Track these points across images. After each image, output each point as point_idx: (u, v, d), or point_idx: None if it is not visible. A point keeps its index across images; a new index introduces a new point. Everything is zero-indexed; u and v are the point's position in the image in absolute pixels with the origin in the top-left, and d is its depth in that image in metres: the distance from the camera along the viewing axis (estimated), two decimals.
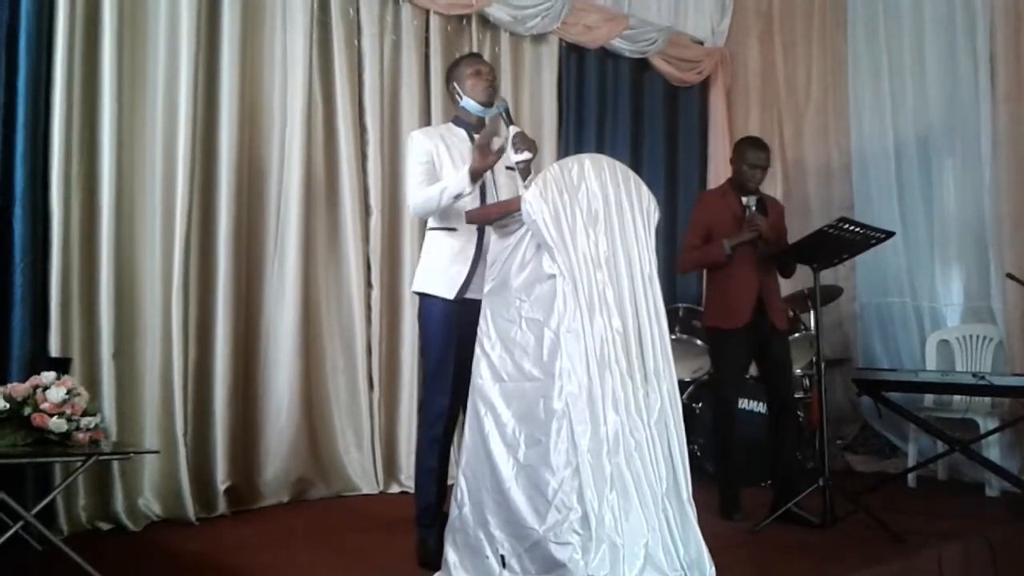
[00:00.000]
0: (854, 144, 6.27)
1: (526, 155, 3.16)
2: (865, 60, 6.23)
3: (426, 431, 3.38)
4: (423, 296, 3.37)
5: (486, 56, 5.30)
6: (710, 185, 6.22)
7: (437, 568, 3.06)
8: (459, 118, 3.56)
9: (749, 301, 4.14)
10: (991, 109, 5.34)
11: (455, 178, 3.21)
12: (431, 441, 3.33)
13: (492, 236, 3.05)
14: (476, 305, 3.12)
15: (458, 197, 3.21)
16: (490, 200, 3.35)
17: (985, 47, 5.43)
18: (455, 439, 3.48)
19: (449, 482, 3.32)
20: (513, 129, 3.21)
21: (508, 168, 3.38)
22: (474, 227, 3.31)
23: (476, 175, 3.18)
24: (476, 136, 3.44)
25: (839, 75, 6.40)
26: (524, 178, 3.19)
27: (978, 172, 5.44)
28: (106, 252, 3.88)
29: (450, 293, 3.29)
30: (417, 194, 3.31)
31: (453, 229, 3.34)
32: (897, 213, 5.85)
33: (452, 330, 3.28)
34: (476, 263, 3.30)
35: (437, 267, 3.35)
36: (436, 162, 3.36)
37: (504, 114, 3.31)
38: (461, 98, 3.50)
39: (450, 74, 3.60)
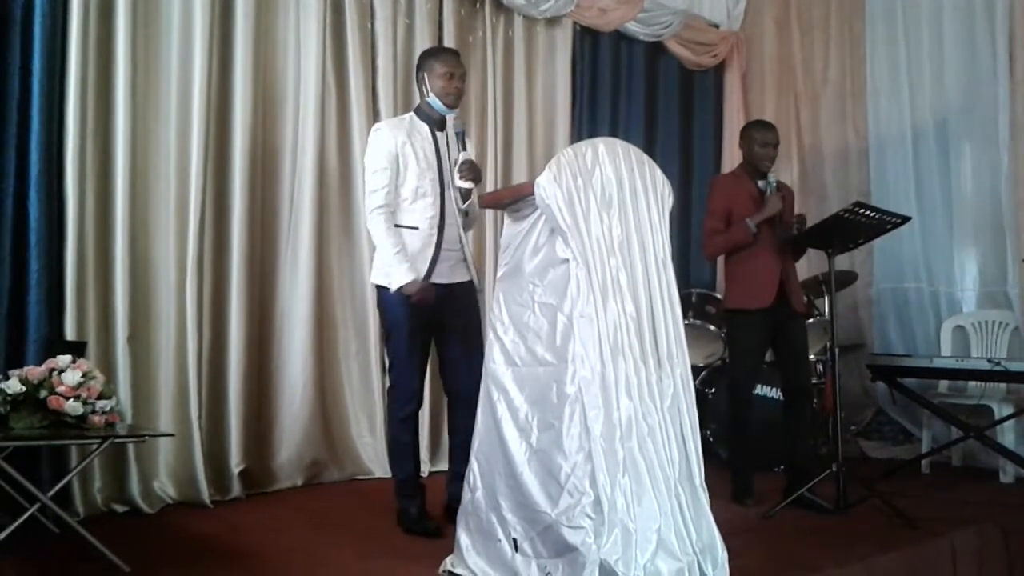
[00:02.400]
0: (871, 128, 6.21)
1: (468, 184, 3.49)
2: (883, 44, 6.16)
3: (398, 411, 3.58)
4: (384, 287, 3.50)
5: (500, 39, 5.33)
6: (724, 170, 6.19)
7: (422, 533, 3.39)
8: (422, 110, 3.67)
9: (772, 282, 4.13)
10: (1009, 93, 5.29)
11: (400, 272, 3.40)
12: (404, 420, 3.57)
13: (505, 220, 3.06)
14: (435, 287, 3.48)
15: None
16: (448, 202, 3.54)
17: (1004, 30, 5.37)
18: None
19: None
20: (463, 155, 3.50)
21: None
22: (435, 227, 3.51)
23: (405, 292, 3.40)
24: (439, 133, 3.61)
25: (857, 59, 6.33)
26: (464, 201, 3.55)
27: (996, 157, 5.39)
28: (121, 236, 3.90)
29: (405, 280, 3.43)
30: (376, 218, 3.46)
31: (415, 228, 3.51)
32: (914, 198, 5.80)
33: (415, 314, 3.47)
34: (436, 258, 3.50)
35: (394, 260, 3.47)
36: (400, 162, 3.50)
37: (458, 137, 3.57)
38: (428, 94, 3.62)
39: (422, 63, 3.69)
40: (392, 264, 3.42)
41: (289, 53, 4.55)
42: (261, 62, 4.44)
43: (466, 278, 3.64)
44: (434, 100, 3.60)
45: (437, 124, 3.63)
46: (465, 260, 3.63)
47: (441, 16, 5.09)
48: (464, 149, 3.55)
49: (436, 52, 3.78)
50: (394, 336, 3.56)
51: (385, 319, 3.63)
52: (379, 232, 3.46)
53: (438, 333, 3.61)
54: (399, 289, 3.40)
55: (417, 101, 4.88)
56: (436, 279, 3.50)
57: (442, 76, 3.58)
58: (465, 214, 3.62)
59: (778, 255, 4.16)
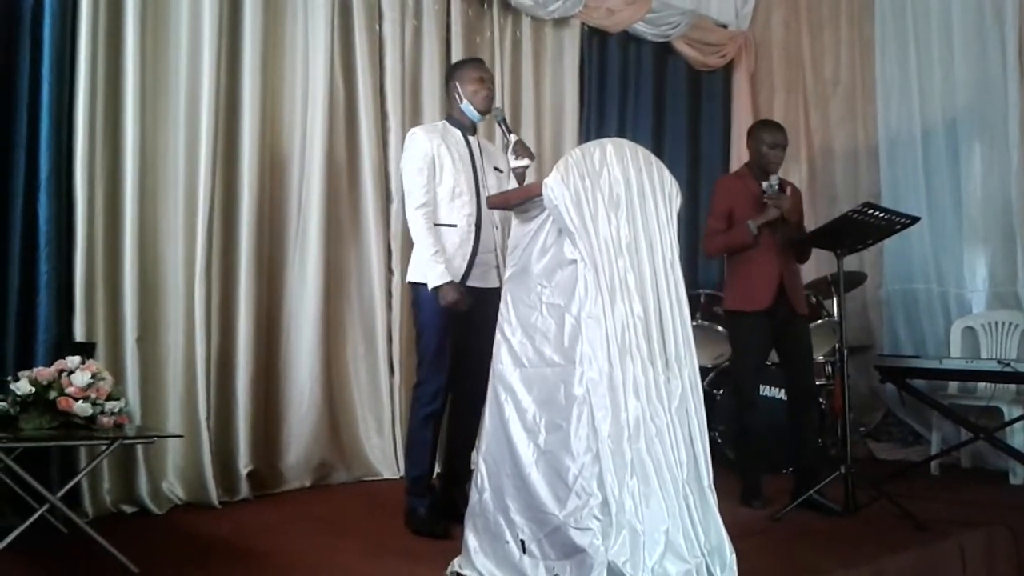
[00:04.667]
0: (881, 129, 6.19)
1: (525, 162, 3.52)
2: (893, 44, 6.14)
3: (421, 409, 3.60)
4: (420, 284, 3.55)
5: (508, 40, 5.34)
6: (732, 170, 6.18)
7: (429, 534, 3.40)
8: (454, 118, 3.78)
9: (771, 284, 4.11)
10: (1019, 93, 5.28)
11: (436, 272, 3.46)
12: (426, 418, 3.59)
13: (513, 221, 3.06)
14: (469, 291, 3.52)
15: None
16: (484, 202, 3.59)
17: (1013, 30, 5.36)
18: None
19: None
20: (513, 137, 3.58)
21: (496, 168, 3.73)
22: (472, 224, 3.58)
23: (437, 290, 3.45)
24: (471, 139, 3.71)
25: (867, 59, 6.31)
26: (521, 183, 3.55)
27: (1006, 157, 5.38)
28: (130, 238, 3.91)
29: (443, 279, 3.48)
30: (417, 217, 3.53)
31: (454, 226, 3.58)
32: (924, 198, 5.79)
33: (449, 315, 3.51)
34: (474, 258, 3.57)
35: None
36: (436, 163, 3.58)
37: (502, 123, 3.66)
38: (461, 101, 3.72)
39: (452, 73, 3.84)
40: (429, 264, 3.48)
41: (297, 55, 4.56)
42: (269, 64, 4.44)
43: (496, 284, 3.67)
44: (467, 107, 3.71)
45: (469, 130, 3.75)
46: (497, 267, 3.69)
47: (449, 17, 5.10)
48: (511, 132, 3.64)
49: (465, 61, 3.96)
50: (425, 334, 3.60)
51: (418, 317, 3.65)
52: (419, 231, 3.53)
53: (460, 332, 3.62)
54: (434, 289, 3.45)
55: (426, 102, 4.99)
56: (471, 282, 3.57)
57: (474, 80, 3.71)
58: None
59: (779, 257, 4.15)
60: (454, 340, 3.58)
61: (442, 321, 3.53)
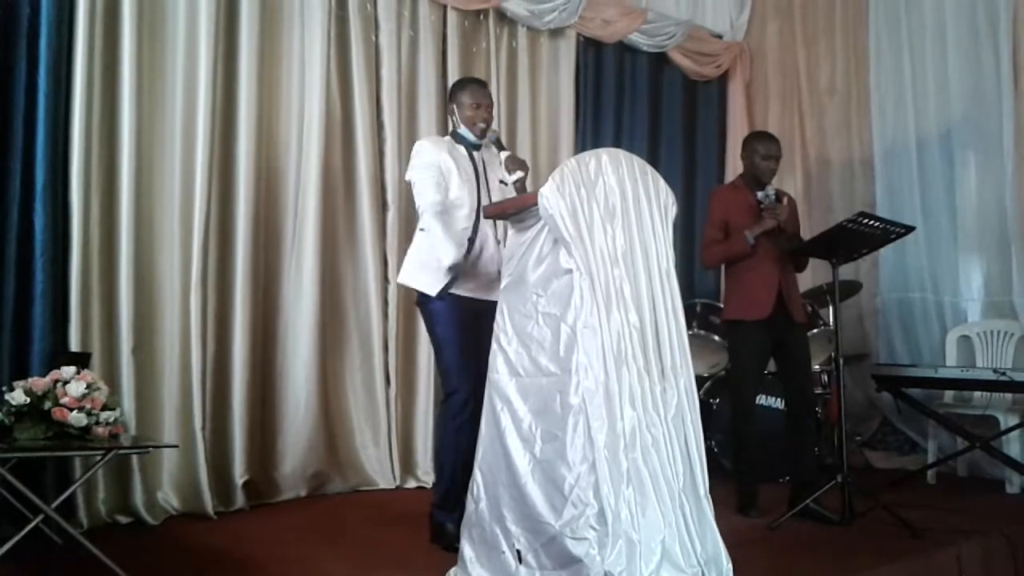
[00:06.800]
0: (876, 139, 6.22)
1: (519, 174, 3.45)
2: (887, 54, 6.17)
3: (453, 420, 3.47)
4: (426, 298, 3.50)
5: (504, 50, 5.35)
6: (728, 180, 6.19)
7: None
8: (458, 134, 3.70)
9: (770, 293, 4.12)
10: (1013, 103, 5.30)
11: (451, 253, 3.37)
12: (460, 427, 3.43)
13: (509, 231, 3.06)
14: (471, 302, 3.45)
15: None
16: (481, 217, 3.52)
17: (1007, 40, 5.38)
18: None
19: None
20: (504, 154, 3.54)
21: (501, 182, 3.63)
22: (466, 239, 3.48)
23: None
24: (475, 154, 3.65)
25: (861, 69, 6.34)
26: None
27: (1000, 166, 5.40)
28: (125, 248, 3.91)
29: (432, 289, 3.45)
30: (434, 218, 3.43)
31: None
32: (919, 208, 5.81)
33: (462, 322, 3.45)
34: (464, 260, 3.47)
35: (426, 265, 3.50)
36: (443, 171, 3.51)
37: (496, 143, 3.62)
38: (459, 126, 3.67)
39: (452, 94, 3.78)
40: (441, 254, 3.39)
41: (293, 66, 4.57)
42: (265, 75, 4.45)
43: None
44: (464, 131, 3.65)
45: (473, 146, 3.68)
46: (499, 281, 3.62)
47: (445, 28, 5.10)
48: (503, 149, 3.61)
49: (464, 83, 3.82)
50: (446, 348, 3.52)
51: (435, 332, 3.56)
52: (435, 228, 3.43)
53: (472, 346, 3.53)
54: (450, 267, 3.37)
55: (422, 112, 5.00)
56: (473, 294, 3.49)
57: (469, 107, 3.64)
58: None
59: (778, 265, 4.16)
60: (474, 344, 3.47)
61: (458, 334, 3.46)
